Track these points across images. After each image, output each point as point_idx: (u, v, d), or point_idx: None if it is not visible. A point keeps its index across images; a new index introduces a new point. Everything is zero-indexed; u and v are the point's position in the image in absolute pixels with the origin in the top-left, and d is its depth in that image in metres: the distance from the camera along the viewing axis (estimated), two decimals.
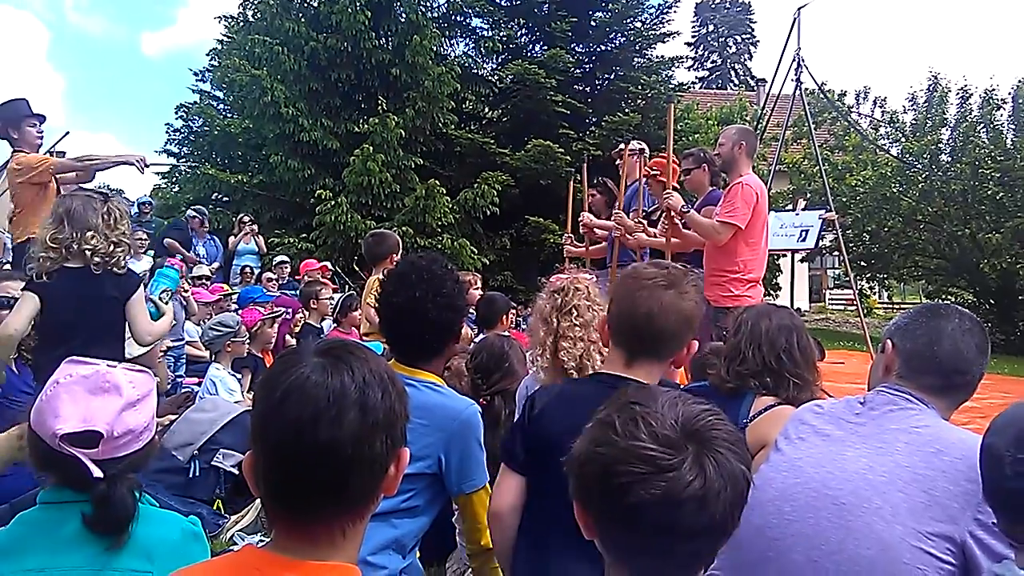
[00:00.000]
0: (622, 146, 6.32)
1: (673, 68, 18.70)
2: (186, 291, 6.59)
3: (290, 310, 6.56)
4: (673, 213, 5.14)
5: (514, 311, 7.52)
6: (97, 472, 1.59)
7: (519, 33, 17.74)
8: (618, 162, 6.23)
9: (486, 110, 17.45)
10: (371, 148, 13.65)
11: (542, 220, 14.80)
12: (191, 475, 3.70)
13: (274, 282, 9.16)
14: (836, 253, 17.56)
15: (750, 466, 1.16)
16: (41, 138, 5.64)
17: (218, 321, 5.09)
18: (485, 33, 17.41)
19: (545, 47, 16.89)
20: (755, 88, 32.93)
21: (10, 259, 6.44)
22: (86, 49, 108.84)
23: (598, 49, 17.83)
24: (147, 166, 6.01)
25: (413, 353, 2.17)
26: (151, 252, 9.08)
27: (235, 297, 7.66)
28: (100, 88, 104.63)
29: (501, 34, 17.15)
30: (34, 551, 1.56)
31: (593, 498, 1.15)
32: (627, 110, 16.49)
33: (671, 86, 18.11)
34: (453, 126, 15.76)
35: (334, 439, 1.09)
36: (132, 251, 8.65)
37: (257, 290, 6.33)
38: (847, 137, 19.39)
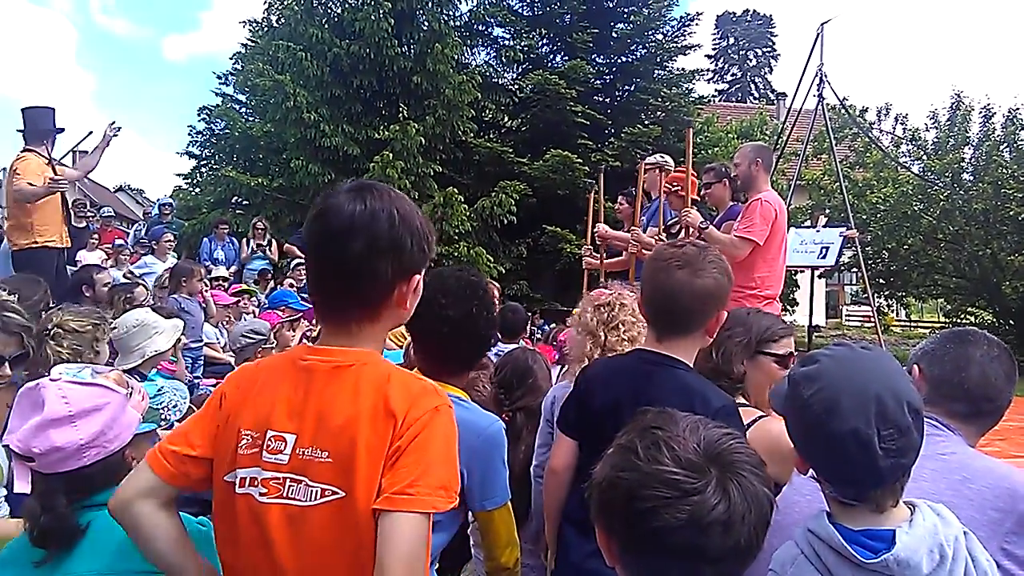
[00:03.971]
0: (650, 160, 6.28)
1: (693, 81, 18.69)
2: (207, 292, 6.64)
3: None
4: (692, 229, 5.13)
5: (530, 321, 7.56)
6: (20, 487, 1.65)
7: (540, 43, 17.80)
8: (639, 175, 6.21)
9: (505, 119, 17.51)
10: (391, 155, 13.71)
11: (559, 230, 14.81)
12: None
13: (294, 287, 9.19)
14: (855, 270, 17.45)
15: (772, 489, 1.16)
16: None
17: (249, 328, 5.11)
18: (506, 42, 17.50)
19: (566, 57, 16.95)
20: (775, 102, 32.85)
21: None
22: (112, 51, 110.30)
23: (619, 61, 17.86)
24: (116, 130, 6.12)
25: (443, 366, 2.18)
26: (172, 254, 9.14)
27: (256, 298, 7.70)
28: (126, 89, 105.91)
29: (522, 44, 17.21)
30: (80, 556, 1.62)
31: (616, 523, 1.15)
32: (647, 122, 16.49)
33: (691, 99, 18.10)
34: (472, 134, 15.82)
35: (343, 255, 1.40)
36: (157, 254, 8.78)
37: (292, 295, 6.36)
38: (868, 154, 19.28)
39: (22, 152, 5.80)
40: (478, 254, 13.90)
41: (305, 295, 8.66)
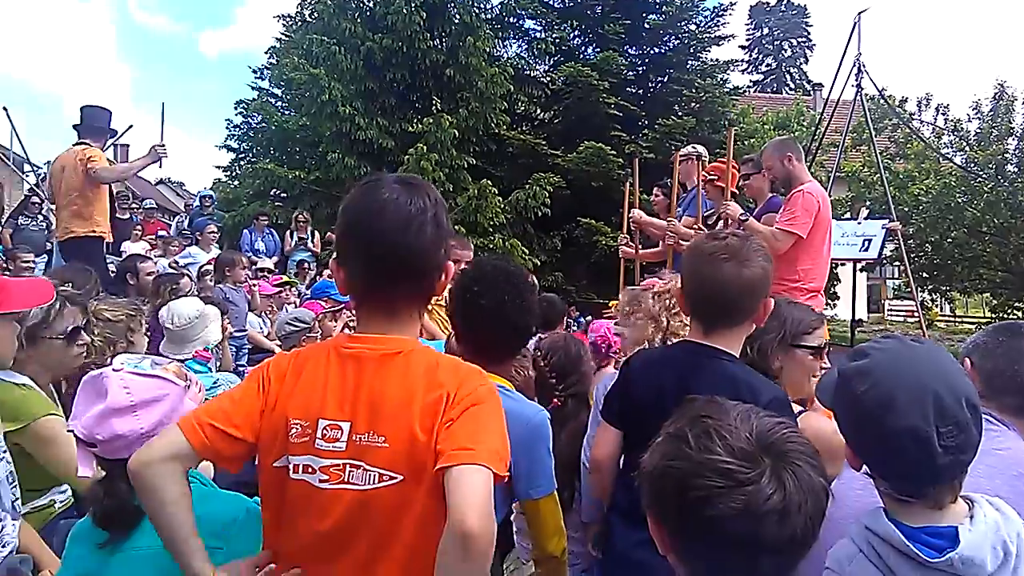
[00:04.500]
0: (684, 151, 6.23)
1: (727, 72, 18.51)
2: (254, 283, 6.76)
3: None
4: (731, 221, 5.07)
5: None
6: (83, 471, 1.68)
7: (572, 35, 17.72)
8: (674, 166, 6.17)
9: (538, 111, 17.48)
10: (424, 147, 13.78)
11: (593, 222, 14.77)
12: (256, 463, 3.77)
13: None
14: (897, 263, 17.13)
15: (828, 480, 1.15)
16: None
17: (294, 317, 5.20)
18: (538, 35, 17.46)
19: (598, 49, 16.86)
20: (811, 93, 32.27)
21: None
22: (150, 46, 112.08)
23: (652, 52, 17.72)
24: (164, 152, 6.22)
25: (487, 355, 2.19)
26: (216, 245, 9.31)
27: (296, 289, 7.80)
28: (164, 83, 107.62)
29: (554, 36, 17.15)
30: (138, 533, 1.68)
31: (669, 512, 1.15)
32: (680, 113, 16.35)
33: (725, 90, 17.89)
34: (505, 127, 15.82)
35: (421, 245, 1.46)
36: (201, 244, 8.97)
37: (333, 286, 6.45)
38: (909, 145, 18.86)
39: (79, 144, 5.97)
40: (513, 246, 13.93)
41: None
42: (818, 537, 1.14)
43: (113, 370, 1.71)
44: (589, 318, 11.82)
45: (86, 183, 5.85)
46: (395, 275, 1.48)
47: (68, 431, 1.70)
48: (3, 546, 2.02)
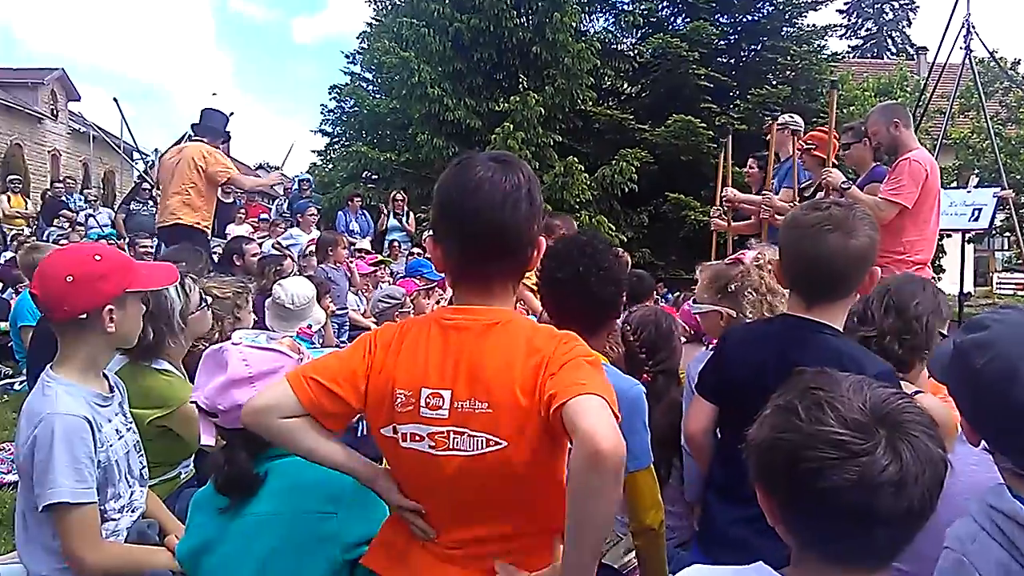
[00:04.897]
0: (781, 119, 6.03)
1: (825, 37, 17.66)
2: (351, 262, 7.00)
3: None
4: (832, 191, 4.89)
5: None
6: (206, 439, 1.78)
7: (660, 6, 17.28)
8: (770, 137, 5.99)
9: (625, 86, 17.20)
10: (511, 126, 13.81)
11: (682, 197, 14.49)
12: (359, 434, 3.93)
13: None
14: (1008, 234, 16.13)
15: (946, 450, 1.13)
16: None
17: (386, 294, 5.38)
18: (625, 7, 17.09)
19: (687, 19, 16.42)
20: (915, 57, 30.48)
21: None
22: (247, 35, 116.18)
23: (744, 19, 17.11)
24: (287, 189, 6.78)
25: (575, 329, 2.21)
26: (316, 227, 9.65)
27: (391, 267, 8.02)
28: (261, 71, 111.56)
29: (642, 7, 16.75)
30: (256, 499, 1.78)
31: (779, 484, 1.14)
32: (775, 82, 15.78)
33: (823, 56, 17.12)
34: (592, 103, 15.64)
35: (516, 221, 1.50)
36: (302, 226, 9.39)
37: (427, 265, 6.62)
38: (1021, 109, 17.66)
39: (198, 140, 6.36)
40: (599, 223, 13.84)
41: None
42: (935, 510, 1.12)
43: (232, 344, 1.81)
44: (678, 294, 11.65)
45: (205, 179, 6.22)
46: (490, 252, 1.51)
47: (192, 402, 1.81)
48: (133, 511, 2.20)
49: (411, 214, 11.50)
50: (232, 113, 7.16)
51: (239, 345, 1.81)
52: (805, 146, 5.56)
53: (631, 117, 15.49)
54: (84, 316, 2.03)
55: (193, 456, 2.83)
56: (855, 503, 1.05)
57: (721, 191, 6.39)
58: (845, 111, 15.09)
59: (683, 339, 3.38)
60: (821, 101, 15.64)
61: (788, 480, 1.11)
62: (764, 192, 5.65)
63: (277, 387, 1.53)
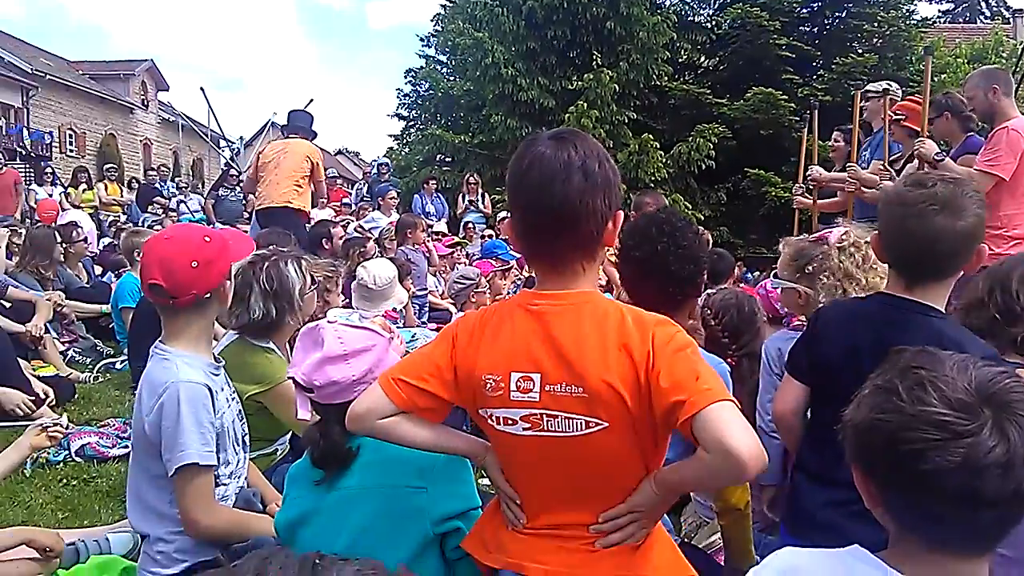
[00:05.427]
0: (871, 87, 5.80)
1: (914, 2, 16.89)
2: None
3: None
4: (925, 162, 4.69)
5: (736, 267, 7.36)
6: (303, 414, 1.84)
7: None
8: (854, 107, 5.76)
9: (702, 59, 16.83)
10: (585, 104, 13.71)
11: (762, 172, 14.14)
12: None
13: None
14: None
15: None
16: None
17: (462, 275, 5.48)
18: None
19: None
20: (1011, 20, 28.65)
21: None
22: (326, 23, 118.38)
23: None
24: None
25: (652, 309, 2.20)
26: (396, 210, 9.85)
27: (467, 249, 8.12)
28: (340, 57, 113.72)
29: None
30: (351, 474, 1.85)
31: (878, 466, 1.11)
32: (860, 51, 15.17)
33: (912, 22, 16.33)
34: (667, 77, 15.38)
35: (567, 195, 1.46)
36: (382, 209, 9.65)
37: (501, 245, 6.68)
38: None
39: (297, 138, 6.94)
40: (675, 201, 13.62)
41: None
42: None
43: (328, 322, 1.87)
44: (758, 273, 11.41)
45: (312, 175, 6.78)
46: (548, 228, 1.50)
47: (288, 378, 1.89)
48: (238, 478, 2.32)
49: (486, 196, 11.57)
50: (312, 100, 7.56)
51: (334, 323, 1.86)
52: (895, 117, 5.34)
53: (708, 91, 15.17)
54: (208, 296, 2.15)
55: (290, 435, 2.96)
56: (959, 486, 1.01)
57: (805, 167, 6.20)
58: (936, 79, 14.36)
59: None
60: (910, 69, 14.94)
61: (888, 462, 1.08)
62: (849, 166, 5.46)
63: (372, 392, 1.59)
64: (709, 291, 3.18)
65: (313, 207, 7.62)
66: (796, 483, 2.17)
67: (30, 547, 2.31)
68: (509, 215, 1.65)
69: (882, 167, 5.16)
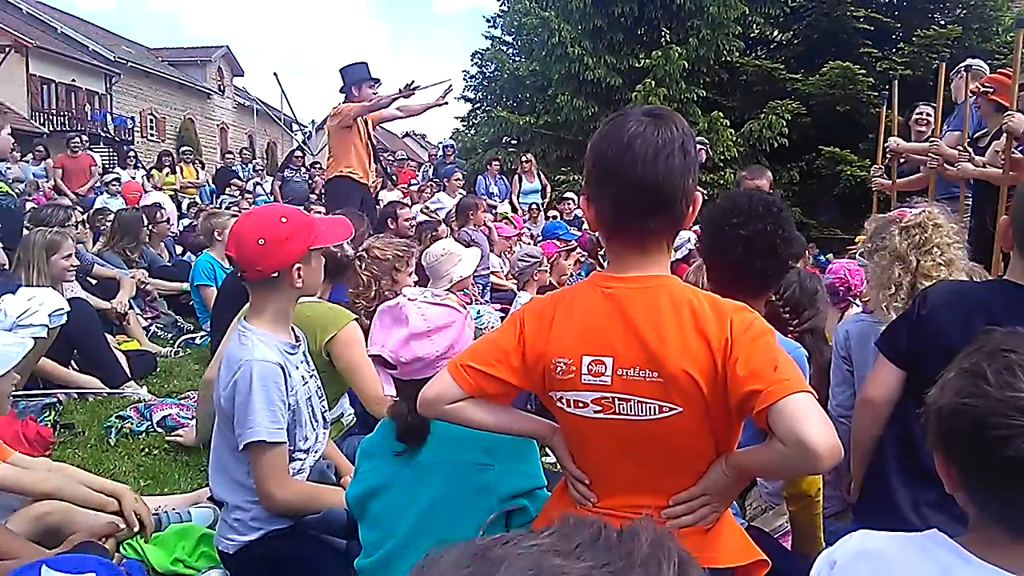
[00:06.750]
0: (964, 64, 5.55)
1: None
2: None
3: (586, 252, 6.85)
4: (1014, 137, 4.45)
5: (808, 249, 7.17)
6: (388, 389, 1.87)
7: None
8: (939, 81, 5.51)
9: (775, 33, 16.28)
10: (653, 83, 13.51)
11: (837, 150, 13.68)
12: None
13: (559, 218, 9.61)
14: None
15: None
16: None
17: (525, 253, 5.50)
18: None
19: None
20: None
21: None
22: (394, 6, 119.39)
23: None
24: (446, 100, 6.89)
25: (739, 287, 2.13)
26: (461, 191, 9.93)
27: (529, 229, 8.11)
28: (408, 40, 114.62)
29: None
30: (393, 448, 1.88)
31: (960, 452, 1.09)
32: (943, 22, 14.49)
33: None
34: (739, 53, 15.00)
35: (670, 173, 1.45)
36: (448, 191, 9.67)
37: (562, 226, 6.67)
38: None
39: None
40: None
41: (573, 225, 9.02)
42: None
43: (408, 299, 1.89)
44: (832, 255, 11.05)
45: (333, 133, 6.68)
46: (645, 208, 1.48)
47: (372, 356, 1.89)
48: (316, 452, 2.40)
49: (541, 175, 11.48)
50: (450, 84, 7.03)
51: (415, 301, 1.88)
52: (983, 89, 5.08)
53: (781, 67, 14.73)
54: (276, 275, 2.20)
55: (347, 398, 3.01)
56: None
57: (884, 144, 5.97)
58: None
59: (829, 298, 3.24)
60: (996, 41, 14.17)
61: (972, 448, 1.06)
62: (932, 141, 5.24)
63: (441, 377, 1.61)
64: None
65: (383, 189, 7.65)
66: (885, 476, 2.05)
67: (114, 511, 2.44)
68: (588, 193, 1.58)
69: (960, 140, 4.94)
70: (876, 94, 12.80)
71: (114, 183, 10.62)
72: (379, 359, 1.85)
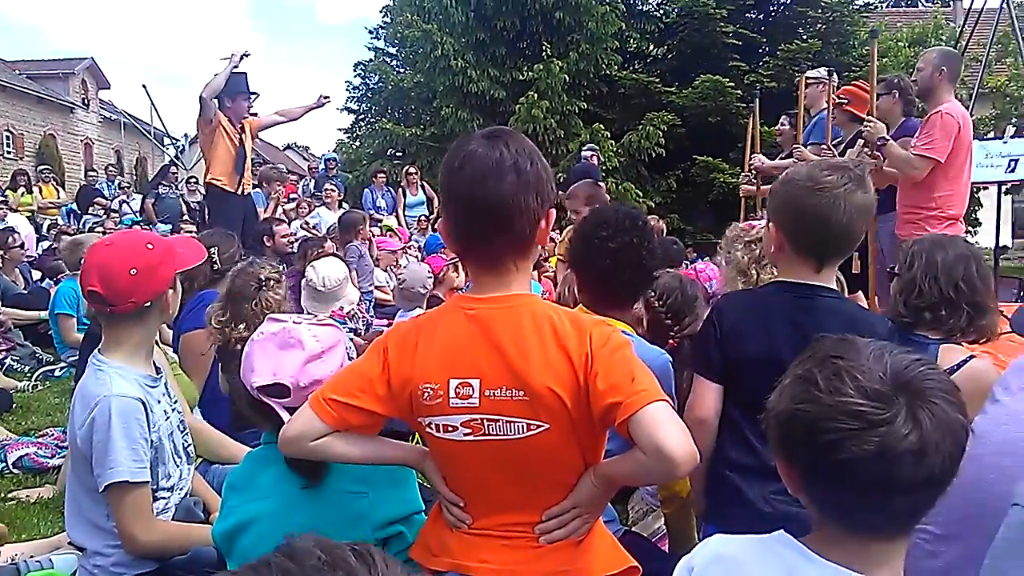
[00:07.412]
0: (812, 73, 5.91)
1: None
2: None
3: None
4: (869, 144, 4.78)
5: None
6: (287, 417, 1.75)
7: None
8: (799, 92, 5.87)
9: (651, 48, 16.94)
10: (535, 95, 13.71)
11: (711, 159, 14.31)
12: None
13: None
14: None
15: (967, 415, 1.12)
16: (248, 112, 6.34)
17: (409, 285, 5.13)
18: None
19: None
20: (951, 3, 29.42)
21: None
22: (276, 16, 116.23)
23: None
24: (327, 99, 6.86)
25: (611, 300, 2.21)
26: (345, 205, 9.72)
27: (416, 240, 8.02)
28: (290, 51, 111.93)
29: None
30: (260, 481, 1.80)
31: (798, 455, 1.13)
32: (805, 36, 15.45)
33: (855, 7, 16.68)
34: (617, 67, 15.46)
35: (500, 193, 1.46)
36: (328, 205, 9.44)
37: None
38: None
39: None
40: (626, 189, 13.74)
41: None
42: (957, 474, 1.11)
43: (294, 323, 1.81)
44: (707, 259, 11.54)
45: (202, 139, 6.48)
46: (482, 228, 1.49)
47: (261, 386, 1.75)
48: (181, 489, 2.27)
49: (426, 186, 11.43)
50: (247, 53, 6.51)
51: (301, 323, 1.82)
52: (838, 100, 5.45)
53: (657, 80, 15.29)
54: (148, 304, 2.09)
55: None
56: (874, 473, 1.04)
57: (750, 155, 6.29)
58: (878, 62, 14.68)
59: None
60: (853, 54, 15.25)
61: (807, 451, 1.10)
62: (796, 148, 5.55)
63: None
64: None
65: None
66: (727, 484, 2.05)
67: None
68: (442, 216, 1.62)
69: (826, 150, 5.26)
70: (744, 105, 13.50)
71: None
72: (269, 388, 1.75)
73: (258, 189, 9.09)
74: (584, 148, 11.15)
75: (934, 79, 4.59)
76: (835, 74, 5.75)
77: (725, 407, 2.04)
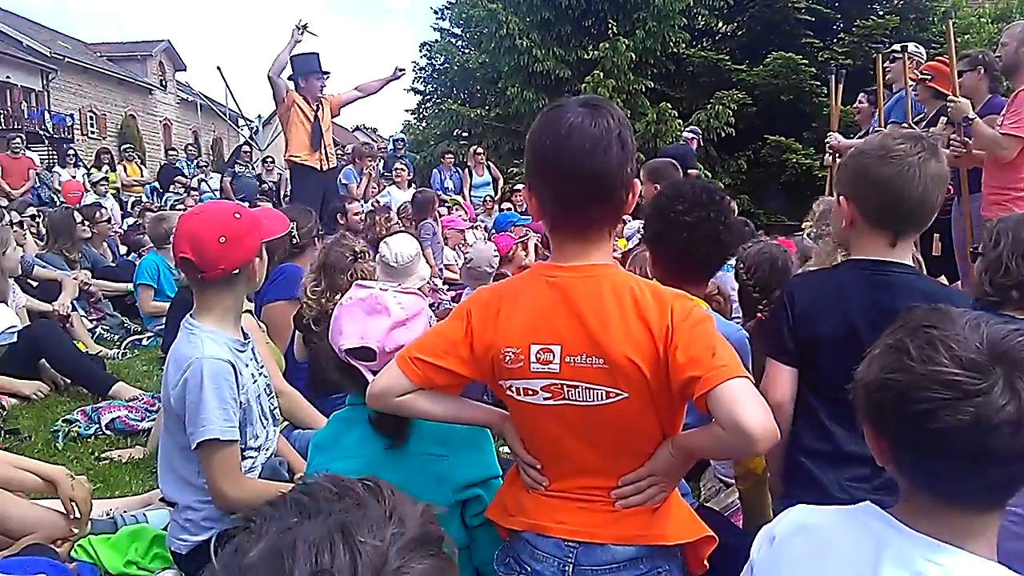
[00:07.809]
0: (899, 47, 5.70)
1: None
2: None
3: (540, 234, 6.84)
4: (954, 122, 4.60)
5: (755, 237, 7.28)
6: (372, 380, 1.83)
7: None
8: (877, 69, 5.66)
9: (720, 24, 16.51)
10: (601, 74, 13.58)
11: (783, 139, 13.95)
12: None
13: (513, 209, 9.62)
14: None
15: None
16: (322, 92, 6.49)
17: (475, 265, 5.15)
18: None
19: None
20: None
21: None
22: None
23: None
24: (403, 72, 7.06)
25: (682, 274, 2.19)
26: (414, 185, 9.86)
27: (483, 220, 8.07)
28: (358, 31, 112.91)
29: None
30: (345, 441, 1.88)
31: (887, 425, 1.12)
32: (881, 12, 14.86)
33: None
34: (685, 44, 15.17)
35: (607, 164, 1.49)
36: (398, 184, 9.62)
37: (514, 216, 6.67)
38: None
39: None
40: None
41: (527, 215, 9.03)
42: None
43: (381, 290, 1.89)
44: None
45: (280, 116, 6.70)
46: (585, 198, 1.51)
47: (348, 348, 1.84)
48: (267, 449, 2.38)
49: (491, 166, 11.49)
50: (327, 74, 6.87)
51: (387, 291, 1.89)
52: (921, 76, 5.25)
53: (727, 58, 14.95)
54: (237, 272, 2.19)
55: None
56: (969, 444, 1.02)
57: (828, 134, 6.12)
58: (959, 40, 14.01)
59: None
60: (932, 31, 14.63)
61: (898, 421, 1.09)
62: (877, 131, 5.38)
63: (389, 370, 1.62)
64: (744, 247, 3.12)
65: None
66: (801, 471, 2.01)
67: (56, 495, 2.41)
68: (529, 184, 1.61)
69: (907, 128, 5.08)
70: (819, 83, 13.12)
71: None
72: (356, 352, 1.83)
73: (350, 166, 9.32)
74: (686, 129, 11.02)
75: (1019, 54, 4.39)
76: (911, 49, 5.52)
77: (800, 392, 2.00)
